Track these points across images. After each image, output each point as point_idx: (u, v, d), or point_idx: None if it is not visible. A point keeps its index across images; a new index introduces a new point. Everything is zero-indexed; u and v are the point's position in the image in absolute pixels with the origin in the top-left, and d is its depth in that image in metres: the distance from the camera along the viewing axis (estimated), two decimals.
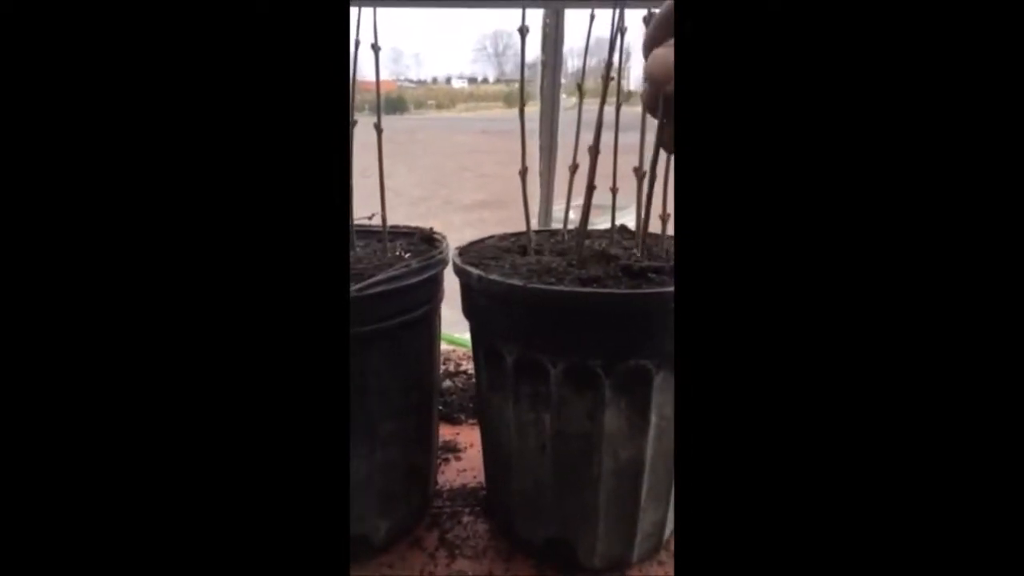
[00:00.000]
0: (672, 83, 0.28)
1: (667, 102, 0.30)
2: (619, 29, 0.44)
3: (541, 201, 1.26)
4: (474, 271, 0.44)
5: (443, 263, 0.50)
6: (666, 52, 0.28)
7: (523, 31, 0.45)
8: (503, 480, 0.50)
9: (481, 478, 0.59)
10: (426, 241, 0.56)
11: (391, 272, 0.44)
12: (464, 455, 0.64)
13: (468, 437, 0.67)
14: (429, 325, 0.50)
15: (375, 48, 0.46)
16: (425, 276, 0.46)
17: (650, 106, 0.32)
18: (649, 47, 0.30)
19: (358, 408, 0.45)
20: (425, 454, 0.53)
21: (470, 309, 0.48)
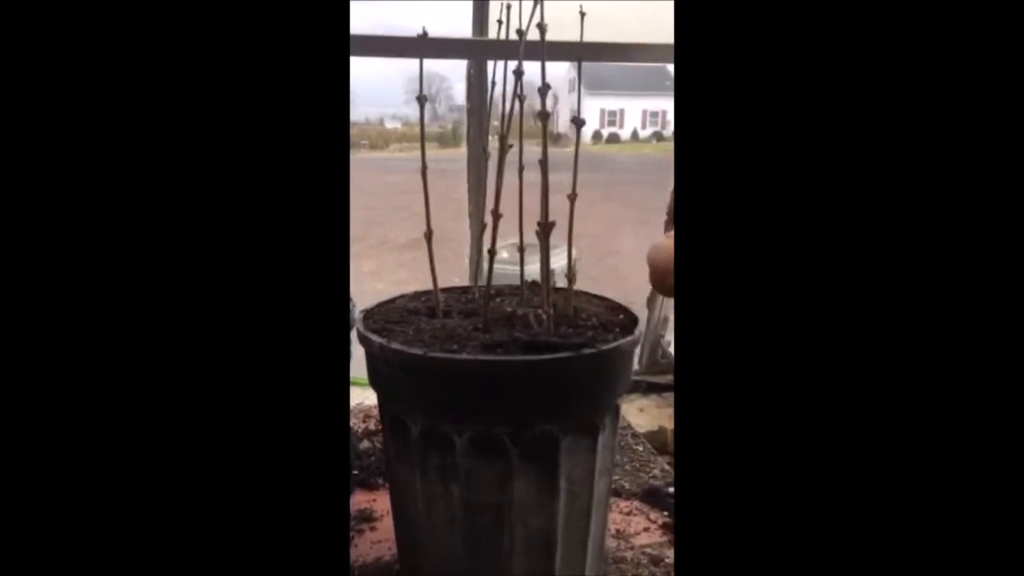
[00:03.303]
0: None
1: None
2: (517, 95, 0.45)
3: (472, 241, 1.25)
4: (376, 339, 0.43)
5: (352, 324, 0.48)
6: None
7: (421, 100, 0.45)
8: (415, 555, 0.48)
9: (396, 551, 0.57)
10: None
11: None
12: (380, 524, 0.61)
13: (385, 504, 0.64)
14: None
15: None
16: None
17: None
18: None
19: None
20: None
21: (374, 378, 0.46)
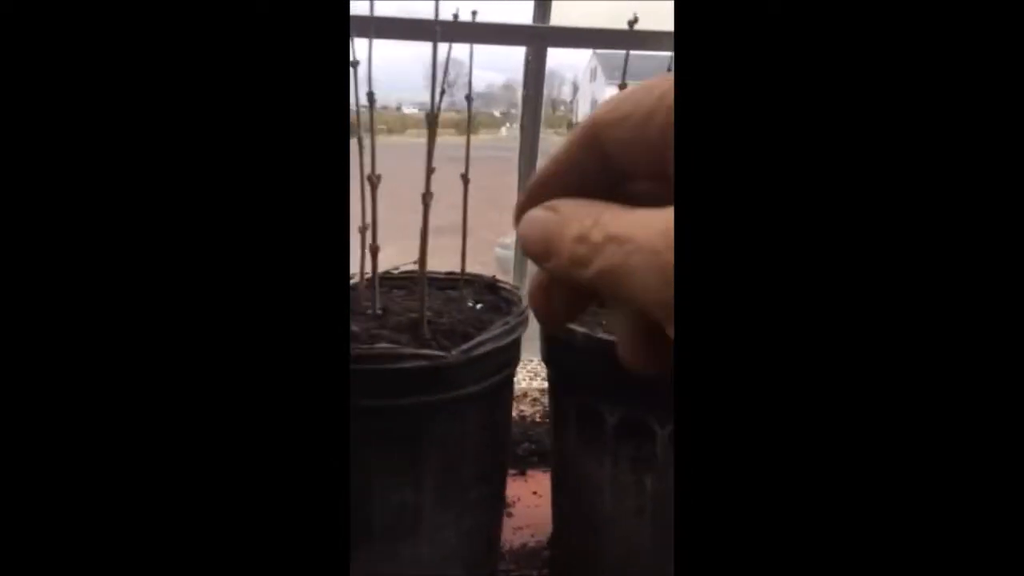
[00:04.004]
0: None
1: None
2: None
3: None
4: (579, 329, 0.43)
5: (528, 319, 0.48)
6: None
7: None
8: (588, 545, 0.48)
9: (539, 537, 0.57)
10: (490, 290, 0.55)
11: (494, 331, 0.42)
12: (515, 510, 0.62)
13: (517, 490, 0.65)
14: (511, 385, 0.48)
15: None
16: (516, 335, 0.45)
17: None
18: None
19: (452, 474, 0.42)
20: (499, 516, 0.51)
21: (562, 368, 0.46)
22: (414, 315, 0.45)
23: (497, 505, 0.49)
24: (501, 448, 0.48)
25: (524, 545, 0.57)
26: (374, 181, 0.49)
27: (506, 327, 0.43)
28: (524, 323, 0.47)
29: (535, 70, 1.22)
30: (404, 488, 0.42)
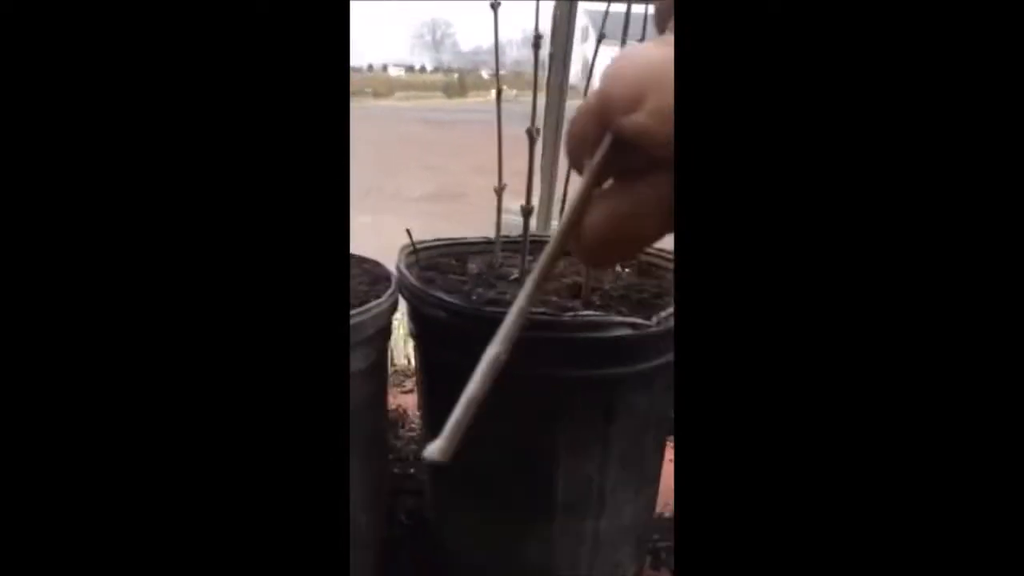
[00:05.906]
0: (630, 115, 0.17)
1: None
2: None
3: (541, 199, 1.05)
4: None
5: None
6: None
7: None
8: None
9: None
10: None
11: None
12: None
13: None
14: None
15: None
16: None
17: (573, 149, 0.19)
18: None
19: (635, 448, 0.45)
20: (657, 486, 0.53)
21: None
22: (567, 280, 0.45)
23: (658, 477, 0.53)
24: (669, 419, 0.50)
25: (659, 515, 0.62)
26: (533, 135, 0.48)
27: None
28: None
29: (564, 28, 0.99)
30: (591, 461, 0.42)
